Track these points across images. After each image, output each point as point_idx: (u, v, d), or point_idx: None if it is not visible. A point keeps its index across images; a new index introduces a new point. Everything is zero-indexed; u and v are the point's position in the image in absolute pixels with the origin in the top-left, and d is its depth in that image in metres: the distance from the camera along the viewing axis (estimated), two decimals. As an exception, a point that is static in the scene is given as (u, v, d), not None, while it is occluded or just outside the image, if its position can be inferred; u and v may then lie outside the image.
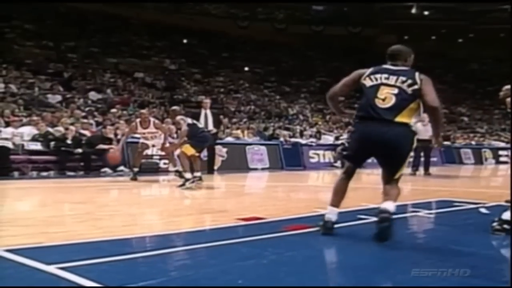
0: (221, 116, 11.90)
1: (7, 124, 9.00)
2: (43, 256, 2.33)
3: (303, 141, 13.28)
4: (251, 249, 2.86)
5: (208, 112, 9.69)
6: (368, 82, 3.10)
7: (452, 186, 8.21)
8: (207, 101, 10.11)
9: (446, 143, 15.92)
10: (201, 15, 26.69)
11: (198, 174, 6.67)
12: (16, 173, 8.00)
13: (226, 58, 24.71)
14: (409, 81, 3.05)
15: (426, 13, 28.53)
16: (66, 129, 9.19)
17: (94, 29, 21.21)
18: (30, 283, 2.02)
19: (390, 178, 3.16)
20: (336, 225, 3.25)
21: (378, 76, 3.10)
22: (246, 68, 24.71)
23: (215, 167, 10.04)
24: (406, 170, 10.81)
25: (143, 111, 8.42)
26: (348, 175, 3.25)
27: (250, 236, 3.16)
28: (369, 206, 4.47)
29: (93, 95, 14.92)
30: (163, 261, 2.53)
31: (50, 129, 9.00)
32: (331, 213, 3.20)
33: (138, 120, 7.73)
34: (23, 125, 9.16)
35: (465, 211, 4.53)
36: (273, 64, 25.58)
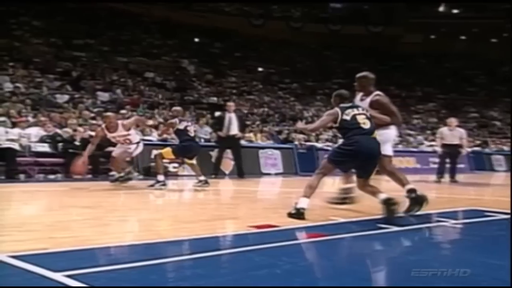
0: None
1: (14, 125, 9.05)
2: (50, 262, 2.35)
3: (318, 145, 13.21)
4: (264, 258, 2.84)
5: (233, 115, 9.81)
6: (346, 117, 4.23)
7: (481, 194, 8.04)
8: (232, 104, 10.29)
9: (476, 148, 15.59)
10: (214, 12, 26.83)
11: (202, 178, 6.94)
12: (22, 176, 8.06)
13: (239, 58, 24.80)
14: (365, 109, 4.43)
15: (455, 11, 27.94)
16: (74, 130, 9.22)
17: (104, 26, 21.48)
18: None
19: (367, 179, 4.31)
20: (354, 234, 3.34)
21: (349, 111, 4.26)
22: (260, 69, 24.75)
23: (226, 172, 10.09)
24: (431, 177, 10.71)
25: (108, 113, 7.50)
26: (324, 176, 4.34)
27: (263, 244, 3.14)
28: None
29: (102, 95, 15.07)
30: (173, 270, 2.53)
31: (58, 130, 9.05)
32: (305, 203, 4.12)
33: (103, 125, 7.05)
34: (30, 126, 9.21)
35: (496, 221, 4.42)
36: (288, 65, 25.56)
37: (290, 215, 4.07)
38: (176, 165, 9.32)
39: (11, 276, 2.21)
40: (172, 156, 7.15)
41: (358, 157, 4.17)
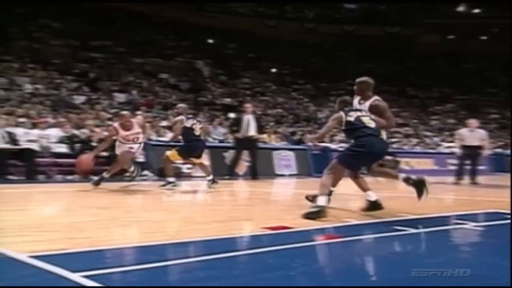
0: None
1: (34, 126, 9.22)
2: (68, 263, 2.38)
3: (333, 146, 13.12)
4: (278, 260, 2.82)
5: (251, 117, 9.83)
6: (350, 118, 4.39)
7: (502, 196, 7.85)
8: (249, 106, 10.32)
9: (497, 150, 15.27)
10: (227, 13, 26.94)
11: (210, 177, 7.07)
12: (42, 177, 8.19)
13: (253, 59, 24.82)
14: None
15: (476, 10, 27.38)
16: (91, 131, 9.36)
17: (119, 27, 21.78)
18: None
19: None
20: (370, 236, 3.38)
21: (352, 113, 4.46)
22: (274, 70, 24.74)
23: (240, 173, 10.10)
24: (449, 179, 10.49)
25: (124, 112, 7.46)
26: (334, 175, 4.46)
27: (277, 245, 3.12)
28: (407, 217, 4.35)
29: (118, 96, 15.25)
30: (187, 271, 2.53)
31: (75, 131, 9.19)
32: (324, 201, 4.22)
33: (116, 123, 6.95)
34: (49, 126, 9.37)
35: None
36: (301, 66, 25.49)
37: (311, 214, 4.07)
38: (190, 166, 9.35)
39: (31, 276, 2.24)
40: (179, 158, 7.13)
41: (370, 158, 4.42)
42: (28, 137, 8.55)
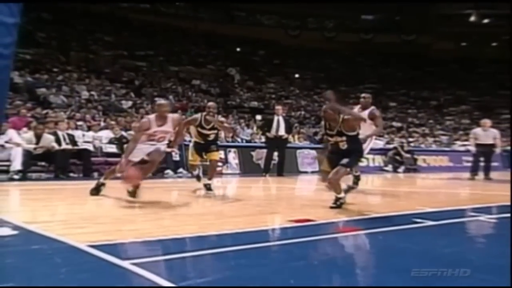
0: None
1: (89, 128, 9.49)
2: (119, 252, 2.48)
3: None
4: (302, 250, 2.80)
5: (281, 118, 9.80)
6: None
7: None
8: (280, 108, 10.24)
9: (508, 148, 14.78)
10: (254, 25, 27.04)
11: (210, 182, 6.05)
12: (96, 174, 8.31)
13: (278, 66, 24.78)
14: None
15: (486, 21, 27.15)
16: None
17: (160, 39, 22.26)
18: (110, 276, 2.15)
19: None
20: (389, 228, 3.30)
21: None
22: (297, 75, 24.60)
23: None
24: (464, 175, 10.23)
25: (162, 101, 5.62)
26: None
27: (302, 237, 3.10)
28: (425, 210, 4.23)
29: (159, 101, 15.52)
30: (219, 260, 2.56)
31: (123, 133, 9.34)
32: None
33: (152, 116, 5.19)
34: (101, 129, 9.60)
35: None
36: (322, 71, 25.25)
37: (334, 206, 4.23)
38: (220, 163, 9.40)
39: (90, 263, 2.35)
40: (197, 157, 6.09)
41: None
42: (84, 138, 8.82)
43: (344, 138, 4.25)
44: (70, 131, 8.61)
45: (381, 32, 27.74)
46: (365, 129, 5.75)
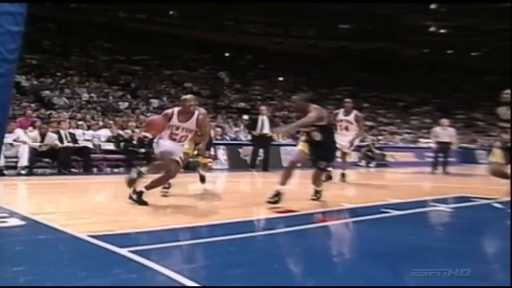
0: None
1: (89, 127, 9.44)
2: (117, 240, 2.47)
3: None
4: (285, 239, 2.85)
5: (265, 117, 9.78)
6: None
7: (468, 183, 7.77)
8: (264, 108, 10.23)
9: (464, 145, 15.18)
10: (242, 33, 27.05)
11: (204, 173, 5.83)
12: (95, 169, 8.38)
13: (263, 70, 24.82)
14: None
15: (442, 31, 28.55)
16: (133, 131, 9.46)
17: (155, 46, 22.10)
18: (109, 261, 2.15)
19: None
20: (362, 218, 3.38)
21: None
22: (281, 78, 24.69)
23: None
24: (427, 169, 10.45)
25: (187, 96, 4.42)
26: None
27: (285, 227, 3.15)
28: (392, 201, 4.34)
29: (153, 102, 15.48)
30: (210, 248, 2.57)
31: (120, 132, 9.32)
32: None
33: (176, 109, 4.25)
34: (100, 128, 9.56)
35: (480, 206, 4.29)
36: (304, 75, 25.40)
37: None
38: (210, 160, 9.37)
39: (90, 251, 2.34)
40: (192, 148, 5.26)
41: None
42: (84, 137, 8.76)
43: (314, 128, 4.09)
44: (71, 130, 8.56)
45: (356, 39, 28.17)
46: (352, 130, 6.60)
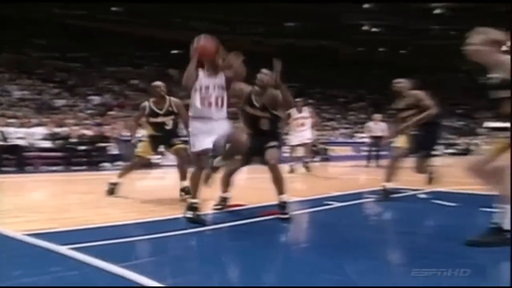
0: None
1: (21, 125, 9.01)
2: (55, 238, 2.36)
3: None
4: (234, 233, 2.90)
5: None
6: None
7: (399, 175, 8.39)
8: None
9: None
10: (188, 30, 26.58)
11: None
12: (29, 168, 8.03)
13: (211, 66, 24.72)
14: None
15: (374, 29, 30.28)
16: (71, 129, 9.21)
17: (97, 43, 21.04)
18: (47, 259, 2.07)
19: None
20: (307, 210, 3.58)
21: None
22: (229, 75, 24.76)
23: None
24: (363, 162, 11.01)
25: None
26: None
27: (233, 221, 3.19)
28: (333, 194, 4.59)
29: (93, 99, 14.78)
30: (162, 243, 2.52)
31: (57, 130, 9.04)
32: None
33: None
34: (34, 126, 9.18)
35: (408, 197, 4.70)
36: (252, 72, 25.65)
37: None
38: (159, 156, 9.09)
39: (25, 249, 2.23)
40: (150, 150, 4.63)
41: None
42: (16, 135, 8.35)
43: (267, 114, 3.60)
44: (1, 128, 8.10)
45: (302, 37, 28.97)
46: (307, 124, 7.63)
